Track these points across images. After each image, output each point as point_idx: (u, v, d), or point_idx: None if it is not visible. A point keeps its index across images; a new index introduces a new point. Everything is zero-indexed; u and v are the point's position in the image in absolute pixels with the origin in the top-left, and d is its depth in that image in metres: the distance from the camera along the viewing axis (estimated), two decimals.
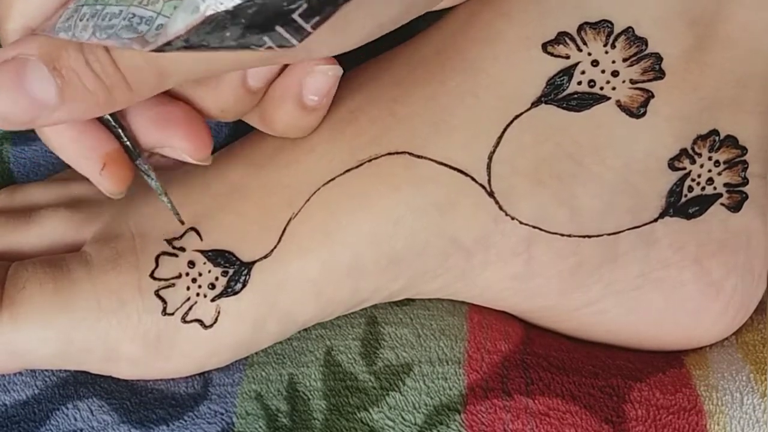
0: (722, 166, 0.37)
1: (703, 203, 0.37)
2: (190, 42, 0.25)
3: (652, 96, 0.36)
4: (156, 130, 0.32)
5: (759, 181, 0.38)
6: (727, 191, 0.38)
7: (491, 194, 0.36)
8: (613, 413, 0.36)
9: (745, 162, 0.38)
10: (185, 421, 0.37)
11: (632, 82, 0.36)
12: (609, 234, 0.37)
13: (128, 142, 0.33)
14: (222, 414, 0.37)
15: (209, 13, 0.24)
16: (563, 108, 0.36)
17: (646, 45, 0.35)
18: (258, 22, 0.24)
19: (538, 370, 0.37)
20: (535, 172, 0.36)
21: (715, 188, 0.37)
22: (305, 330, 0.39)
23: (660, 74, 0.36)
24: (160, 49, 0.26)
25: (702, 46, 0.36)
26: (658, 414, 0.36)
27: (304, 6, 0.24)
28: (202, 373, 0.38)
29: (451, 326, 0.39)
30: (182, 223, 0.36)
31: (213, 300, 0.36)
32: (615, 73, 0.36)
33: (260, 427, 0.36)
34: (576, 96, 0.36)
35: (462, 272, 0.38)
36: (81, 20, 0.27)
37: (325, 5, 0.24)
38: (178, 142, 0.32)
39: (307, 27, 0.24)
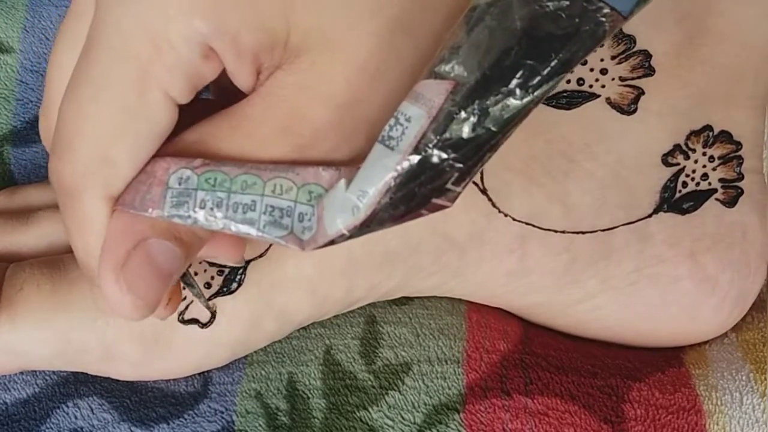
0: (717, 162, 0.37)
1: (697, 199, 0.37)
2: (351, 236, 0.25)
3: (643, 93, 0.35)
4: (207, 248, 0.31)
5: (754, 176, 0.38)
6: (722, 186, 0.37)
7: (484, 191, 0.36)
8: (612, 413, 0.35)
9: (740, 157, 0.37)
10: (185, 419, 0.36)
11: (621, 79, 0.35)
12: (603, 230, 0.36)
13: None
14: (222, 412, 0.36)
15: (369, 212, 0.25)
16: (553, 106, 0.35)
17: (634, 42, 0.35)
18: (415, 204, 0.24)
19: (537, 369, 0.37)
20: (527, 169, 0.36)
21: (709, 183, 0.37)
22: (304, 329, 0.39)
23: (649, 71, 0.35)
24: (320, 247, 0.26)
25: (692, 42, 0.35)
26: (657, 414, 0.35)
27: (456, 175, 0.24)
28: (202, 372, 0.37)
29: (449, 325, 0.39)
30: (209, 309, 0.35)
31: (209, 299, 0.35)
32: (604, 71, 0.35)
33: (260, 425, 0.36)
34: (565, 94, 0.35)
35: (456, 269, 0.37)
36: (201, 208, 0.26)
37: (473, 167, 0.24)
38: (224, 255, 0.31)
39: (459, 189, 0.25)
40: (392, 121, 0.24)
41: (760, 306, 0.40)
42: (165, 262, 0.27)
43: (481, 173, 0.36)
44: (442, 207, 0.25)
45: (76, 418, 0.36)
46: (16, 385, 0.37)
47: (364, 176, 0.25)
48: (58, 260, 0.36)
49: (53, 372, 0.37)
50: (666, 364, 0.38)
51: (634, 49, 0.35)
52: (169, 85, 0.25)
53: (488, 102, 0.23)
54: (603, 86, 0.35)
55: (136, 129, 0.26)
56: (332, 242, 0.26)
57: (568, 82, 0.35)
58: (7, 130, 0.43)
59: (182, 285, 0.33)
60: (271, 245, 0.36)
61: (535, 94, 0.23)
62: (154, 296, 0.27)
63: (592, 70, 0.35)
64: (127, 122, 0.26)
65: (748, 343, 0.39)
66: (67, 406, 0.36)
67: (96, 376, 0.37)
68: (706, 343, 0.40)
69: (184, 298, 0.35)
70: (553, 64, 0.23)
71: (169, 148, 0.27)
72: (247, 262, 0.35)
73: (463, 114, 0.23)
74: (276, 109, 0.26)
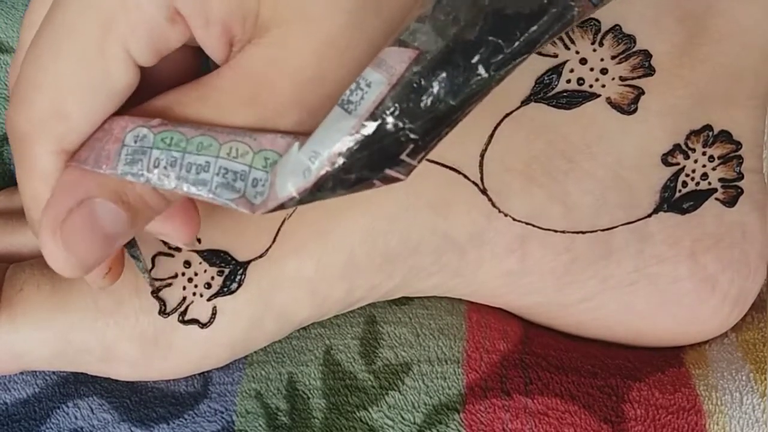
0: (717, 161, 0.36)
1: (697, 198, 0.36)
2: (302, 201, 0.25)
3: (643, 93, 0.35)
4: (156, 223, 0.31)
5: (754, 176, 0.37)
6: (721, 186, 0.37)
7: (484, 191, 0.35)
8: (612, 413, 0.35)
9: (740, 157, 0.37)
10: (185, 419, 0.36)
11: (622, 79, 0.35)
12: (603, 230, 0.36)
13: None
14: (222, 412, 0.36)
15: (321, 174, 0.24)
16: (553, 106, 0.35)
17: (634, 42, 0.35)
18: (367, 171, 0.24)
19: (537, 369, 0.36)
20: (528, 169, 0.35)
21: (709, 183, 0.37)
22: (304, 329, 0.38)
23: (650, 71, 0.35)
24: (270, 211, 0.25)
25: (693, 42, 0.35)
26: (657, 414, 0.35)
27: (411, 146, 0.24)
28: (202, 372, 0.37)
29: (449, 326, 0.39)
30: (153, 287, 0.35)
31: (209, 299, 0.35)
32: (604, 71, 0.35)
33: (260, 425, 0.35)
34: (565, 94, 0.35)
35: (456, 269, 0.37)
36: (155, 167, 0.25)
37: (429, 140, 0.24)
38: (174, 233, 0.31)
39: (414, 162, 0.24)
40: (353, 86, 0.24)
41: (760, 306, 0.40)
42: (108, 224, 0.26)
43: (481, 174, 0.35)
44: (395, 179, 0.24)
45: (76, 418, 0.36)
46: (16, 385, 0.36)
47: (318, 138, 0.24)
48: None
49: (53, 372, 0.37)
50: (666, 364, 0.38)
51: (634, 49, 0.35)
52: (131, 42, 0.25)
53: (449, 75, 0.23)
54: (603, 86, 0.35)
55: (93, 84, 0.25)
56: (282, 206, 0.25)
57: (568, 81, 0.35)
58: None
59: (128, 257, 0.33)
60: (271, 245, 0.35)
61: (498, 72, 0.23)
62: (91, 257, 0.26)
63: (592, 69, 0.35)
64: (84, 76, 0.25)
65: (748, 343, 0.39)
66: (67, 407, 0.36)
67: (96, 377, 0.37)
68: (706, 343, 0.40)
69: (183, 299, 0.35)
70: (516, 43, 0.23)
71: (134, 111, 0.27)
72: (248, 263, 0.35)
73: (423, 83, 0.23)
74: (243, 82, 0.26)
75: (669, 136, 0.36)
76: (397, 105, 0.23)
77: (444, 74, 0.23)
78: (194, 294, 0.35)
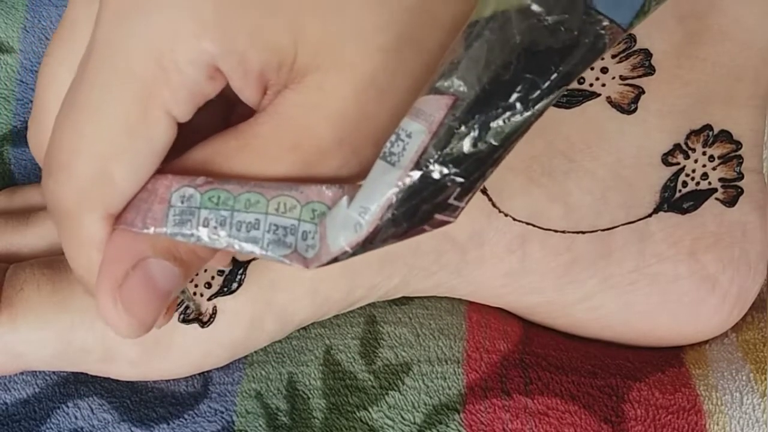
0: (717, 161, 0.36)
1: (697, 198, 0.36)
2: (355, 254, 0.25)
3: (643, 92, 0.35)
4: None
5: (754, 175, 0.37)
6: (722, 186, 0.37)
7: (484, 191, 0.35)
8: (612, 413, 0.35)
9: (740, 157, 0.36)
10: (185, 419, 0.36)
11: (622, 78, 0.35)
12: (603, 229, 0.36)
13: None
14: (222, 412, 0.36)
15: (372, 228, 0.24)
16: (554, 105, 0.35)
17: (635, 41, 0.35)
18: (417, 220, 0.24)
19: (537, 369, 0.36)
20: (528, 169, 0.35)
21: (709, 183, 0.36)
22: (304, 329, 0.38)
23: (650, 70, 0.35)
24: (324, 265, 0.25)
25: (693, 41, 0.35)
26: (657, 414, 0.35)
27: (458, 190, 0.24)
28: (202, 372, 0.37)
29: (450, 325, 0.38)
30: (196, 311, 0.35)
31: (209, 299, 0.35)
32: (604, 70, 0.35)
33: (260, 425, 0.35)
34: (566, 93, 0.35)
35: (457, 269, 0.37)
36: (205, 226, 0.25)
37: (475, 182, 0.24)
38: (214, 263, 0.31)
39: (462, 204, 0.24)
40: (393, 137, 0.24)
41: (760, 306, 0.40)
42: (163, 282, 0.26)
43: None
44: (445, 222, 0.24)
45: (76, 418, 0.35)
46: (16, 385, 0.36)
47: (366, 193, 0.24)
48: (59, 261, 0.35)
49: (53, 372, 0.37)
50: (666, 364, 0.38)
51: (635, 48, 0.35)
52: (172, 105, 0.25)
53: (488, 117, 0.23)
54: (603, 85, 0.35)
55: (136, 148, 0.25)
56: (335, 260, 0.25)
57: None
58: (7, 130, 0.43)
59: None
60: None
61: (536, 107, 0.23)
62: (150, 316, 0.26)
63: (592, 68, 0.35)
64: (126, 141, 0.25)
65: (748, 343, 0.38)
66: (68, 407, 0.36)
67: (96, 377, 0.36)
68: (706, 343, 0.39)
69: (182, 301, 0.35)
70: (552, 77, 0.23)
71: (175, 166, 0.26)
72: (248, 262, 0.35)
73: (463, 129, 0.23)
74: (284, 128, 0.25)
75: (669, 135, 0.36)
76: (439, 152, 0.23)
77: (483, 116, 0.23)
78: (195, 293, 0.35)
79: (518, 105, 0.23)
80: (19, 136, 0.42)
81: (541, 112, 0.23)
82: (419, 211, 0.24)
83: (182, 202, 0.25)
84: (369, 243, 0.24)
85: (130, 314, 0.26)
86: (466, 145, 0.23)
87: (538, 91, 0.23)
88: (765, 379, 0.36)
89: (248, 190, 0.25)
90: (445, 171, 0.23)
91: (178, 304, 0.35)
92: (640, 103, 0.35)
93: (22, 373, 0.36)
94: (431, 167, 0.23)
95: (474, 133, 0.23)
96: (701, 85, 0.35)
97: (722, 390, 0.36)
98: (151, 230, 0.25)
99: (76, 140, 0.25)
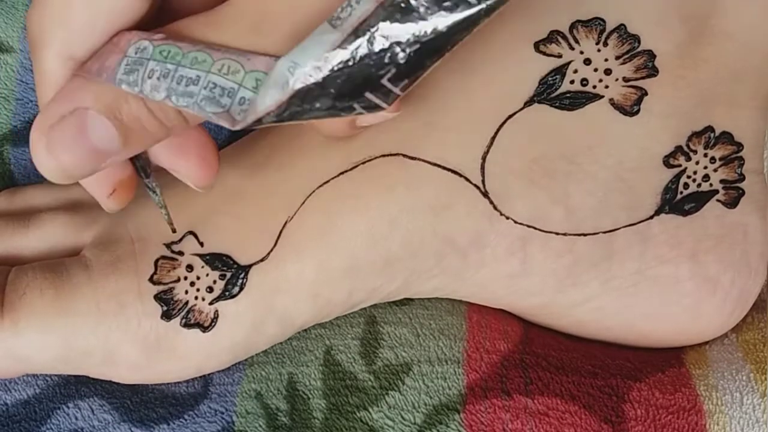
0: (718, 163, 0.36)
1: (699, 200, 0.36)
2: (280, 117, 0.25)
3: (646, 93, 0.35)
4: (169, 155, 0.31)
5: (756, 177, 0.37)
6: (723, 188, 0.36)
7: (485, 194, 0.35)
8: (613, 413, 0.35)
9: (741, 158, 0.36)
10: (185, 419, 0.36)
11: (625, 80, 0.34)
12: (604, 232, 0.36)
13: (142, 164, 0.32)
14: (222, 413, 0.36)
15: (298, 86, 0.24)
16: (556, 107, 0.35)
17: (639, 42, 0.34)
18: (347, 91, 0.23)
19: (537, 369, 0.36)
20: (529, 171, 0.35)
21: (711, 185, 0.36)
22: (305, 330, 0.38)
23: (653, 71, 0.35)
24: (248, 127, 0.25)
25: (696, 42, 0.35)
26: (657, 414, 0.35)
27: (393, 71, 0.23)
28: None
29: (450, 326, 0.38)
30: (174, 231, 0.35)
31: (211, 303, 0.35)
32: (608, 72, 0.34)
33: (260, 426, 0.35)
34: (569, 95, 0.35)
35: (458, 272, 0.36)
36: (149, 77, 0.26)
37: (414, 68, 0.23)
38: (187, 171, 0.31)
39: (396, 90, 0.24)
40: (345, 3, 0.23)
41: (761, 306, 0.40)
42: (97, 137, 0.26)
43: (483, 176, 0.35)
44: (376, 106, 0.24)
45: (76, 418, 0.35)
46: (16, 386, 0.36)
47: (300, 50, 0.24)
48: (61, 264, 0.35)
49: (54, 373, 0.36)
50: (666, 364, 0.38)
51: (639, 49, 0.34)
52: None
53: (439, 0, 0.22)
54: (606, 87, 0.35)
55: None
56: (260, 121, 0.25)
57: (572, 82, 0.35)
58: (7, 130, 0.42)
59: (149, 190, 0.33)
60: (273, 249, 0.35)
61: (488, 3, 0.22)
62: (75, 166, 0.27)
63: (596, 70, 0.34)
64: None
65: (748, 343, 0.38)
66: (68, 407, 0.36)
67: (97, 378, 0.36)
68: (706, 343, 0.39)
69: (186, 303, 0.35)
70: None
71: (143, 30, 0.27)
72: (249, 266, 0.35)
73: (412, 4, 0.22)
74: (249, 10, 0.26)
75: (671, 137, 0.35)
76: (381, 24, 0.23)
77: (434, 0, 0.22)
78: (196, 298, 0.35)
79: None
80: (19, 136, 0.42)
81: (491, 10, 0.22)
82: (350, 82, 0.23)
83: (136, 53, 0.26)
84: (295, 106, 0.24)
85: (52, 155, 0.26)
86: (411, 25, 0.22)
87: None
88: (765, 379, 0.36)
89: (198, 49, 0.26)
90: (384, 45, 0.23)
91: (180, 309, 0.35)
92: (643, 105, 0.35)
93: (22, 375, 0.36)
94: (371, 37, 0.23)
95: (419, 11, 0.22)
96: (703, 87, 0.35)
97: (722, 390, 0.36)
98: (103, 77, 0.26)
99: None
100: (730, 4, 0.34)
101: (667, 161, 0.36)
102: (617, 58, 0.34)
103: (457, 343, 0.37)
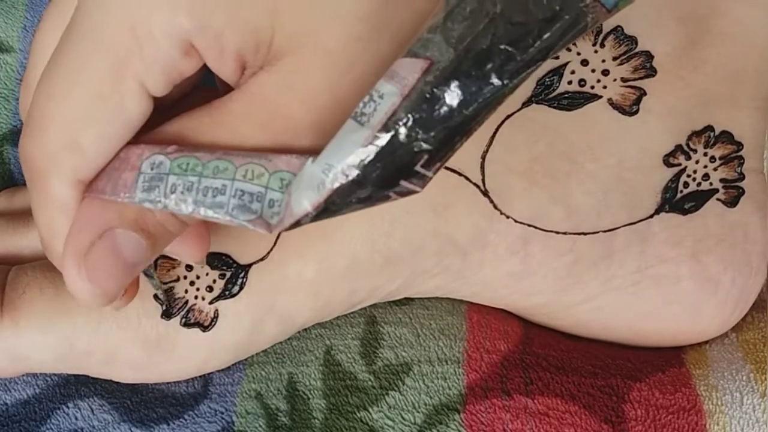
0: (718, 162, 0.36)
1: (699, 199, 0.36)
2: (317, 217, 0.24)
3: (645, 94, 0.35)
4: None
5: (755, 176, 0.37)
6: (723, 187, 0.36)
7: (485, 193, 0.35)
8: (613, 413, 0.35)
9: (741, 157, 0.36)
10: (185, 420, 0.35)
11: (623, 80, 0.35)
12: (605, 231, 0.36)
13: None
14: (222, 413, 0.36)
15: (336, 186, 0.24)
16: (554, 107, 0.35)
17: (636, 43, 0.34)
18: (382, 183, 0.24)
19: (537, 369, 0.36)
20: (529, 171, 0.35)
21: (711, 184, 0.36)
22: (305, 329, 0.38)
23: (651, 72, 0.35)
24: (287, 229, 0.25)
25: (695, 42, 0.35)
26: (657, 414, 0.35)
27: (425, 157, 0.23)
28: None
29: (450, 326, 0.38)
30: (166, 304, 0.35)
31: (211, 302, 0.35)
32: (605, 72, 0.34)
33: (260, 426, 0.35)
34: (567, 95, 0.35)
35: (458, 271, 0.36)
36: (173, 192, 0.25)
37: (444, 151, 0.23)
38: (184, 252, 0.30)
39: (429, 174, 0.24)
40: (366, 98, 0.24)
41: (761, 306, 0.40)
42: (129, 253, 0.26)
43: (483, 176, 0.35)
44: (410, 192, 0.24)
45: (76, 418, 0.35)
46: (16, 386, 0.36)
47: (332, 150, 0.24)
48: None
49: (54, 373, 0.36)
50: (666, 364, 0.38)
51: (636, 50, 0.34)
52: (145, 77, 0.25)
53: (462, 84, 0.22)
54: (605, 87, 0.35)
55: (107, 117, 0.25)
56: (298, 223, 0.25)
57: (570, 83, 0.35)
58: (7, 130, 0.43)
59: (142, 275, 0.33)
60: (273, 248, 0.35)
61: (511, 80, 0.22)
62: (114, 287, 0.26)
63: (593, 71, 0.34)
64: (98, 110, 0.25)
65: (748, 343, 0.38)
66: (68, 407, 0.36)
67: (97, 378, 0.36)
68: (706, 343, 0.39)
69: (186, 302, 0.35)
70: (530, 51, 0.22)
71: (148, 138, 0.26)
72: (249, 266, 0.35)
73: (435, 93, 0.23)
74: (257, 107, 0.26)
75: (670, 136, 0.35)
76: (410, 116, 0.23)
77: (456, 83, 0.22)
78: (196, 297, 0.35)
79: (493, 75, 0.22)
80: (19, 135, 0.42)
81: (515, 86, 0.22)
82: (385, 174, 0.23)
83: (152, 169, 0.26)
84: (332, 205, 0.24)
85: (93, 283, 0.26)
86: (437, 111, 0.23)
87: (514, 63, 0.22)
88: (765, 379, 0.36)
89: (217, 158, 0.25)
90: (414, 135, 0.23)
91: (180, 308, 0.34)
92: (642, 105, 0.35)
93: (22, 374, 0.36)
94: (400, 130, 0.23)
95: (446, 100, 0.22)
96: (703, 87, 0.35)
97: (722, 390, 0.36)
98: (120, 197, 0.26)
99: (51, 104, 0.25)
100: (729, 5, 0.35)
101: (667, 160, 0.36)
102: (614, 59, 0.34)
103: (458, 343, 0.37)
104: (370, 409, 0.35)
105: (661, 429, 0.34)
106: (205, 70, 0.28)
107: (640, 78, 0.35)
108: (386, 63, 0.25)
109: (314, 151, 0.25)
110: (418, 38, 0.23)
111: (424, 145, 0.23)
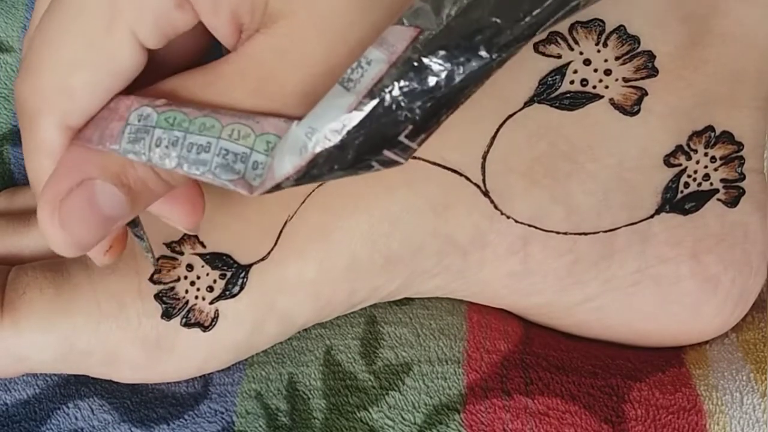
0: (718, 162, 0.36)
1: (699, 199, 0.36)
2: (299, 181, 0.24)
3: (646, 94, 0.35)
4: (159, 203, 0.30)
5: (756, 176, 0.37)
6: (723, 187, 0.36)
7: (486, 193, 0.35)
8: (613, 413, 0.35)
9: (741, 158, 0.36)
10: (185, 420, 0.35)
11: (625, 80, 0.34)
12: (605, 231, 0.36)
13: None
14: (222, 413, 0.36)
15: (318, 150, 0.24)
16: (556, 107, 0.35)
17: (639, 43, 0.34)
18: (365, 151, 0.23)
19: (537, 369, 0.36)
20: (530, 171, 0.35)
21: (711, 184, 0.36)
22: (305, 329, 0.38)
23: (653, 72, 0.34)
24: (267, 192, 0.25)
25: (696, 42, 0.35)
26: (657, 414, 0.35)
27: (410, 127, 0.23)
28: None
29: (450, 326, 0.38)
30: (155, 266, 0.34)
31: (211, 302, 0.35)
32: (607, 72, 0.34)
33: (260, 426, 0.35)
34: (569, 95, 0.34)
35: (459, 271, 0.36)
36: (157, 146, 0.25)
37: (429, 122, 0.23)
38: (177, 217, 0.30)
39: (414, 145, 0.24)
40: (354, 64, 0.23)
41: (761, 306, 0.40)
42: (107, 206, 0.26)
43: (483, 176, 0.35)
44: (394, 162, 0.24)
45: (76, 419, 0.35)
46: (16, 386, 0.36)
47: (316, 114, 0.24)
48: (61, 264, 0.35)
49: (54, 373, 0.36)
50: (666, 364, 0.38)
51: (638, 50, 0.34)
52: (137, 26, 0.25)
53: (450, 54, 0.22)
54: (606, 87, 0.35)
55: (98, 63, 0.25)
56: (279, 186, 0.25)
57: (572, 83, 0.35)
58: (7, 130, 0.43)
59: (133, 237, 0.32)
60: (273, 248, 0.35)
61: (499, 54, 0.22)
62: (88, 237, 0.26)
63: (596, 70, 0.34)
64: (90, 55, 0.25)
65: (748, 343, 0.38)
66: (68, 407, 0.35)
67: (97, 378, 0.36)
68: (706, 343, 0.39)
69: (186, 302, 0.35)
70: (520, 24, 0.22)
71: (140, 93, 0.26)
72: (250, 266, 0.35)
73: (423, 62, 0.22)
74: (250, 71, 0.25)
75: (671, 137, 0.35)
76: (395, 83, 0.23)
77: (444, 53, 0.22)
78: (197, 297, 0.35)
79: (482, 48, 0.22)
80: (19, 135, 0.42)
81: (503, 60, 0.22)
82: (368, 141, 0.23)
83: (139, 121, 0.25)
84: (313, 169, 0.24)
85: (66, 231, 0.26)
86: (424, 81, 0.22)
87: (503, 36, 0.22)
88: (765, 379, 0.36)
89: (205, 115, 0.25)
90: (399, 104, 0.23)
91: (180, 308, 0.34)
92: (643, 105, 0.35)
93: (22, 374, 0.36)
94: (385, 97, 0.23)
95: (432, 69, 0.22)
96: (703, 87, 0.35)
97: (722, 390, 0.36)
98: (106, 146, 0.25)
99: (46, 47, 0.25)
100: (730, 5, 0.34)
101: (668, 160, 0.36)
102: (617, 58, 0.34)
103: (458, 343, 0.37)
104: (370, 409, 0.35)
105: (661, 429, 0.34)
106: (211, 40, 0.28)
107: (642, 78, 0.34)
108: (380, 32, 0.25)
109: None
110: (410, 7, 0.23)
111: (409, 114, 0.23)
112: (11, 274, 0.35)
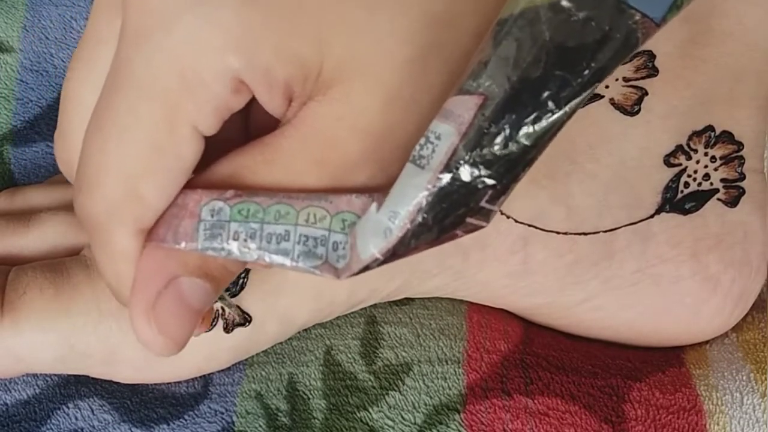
0: (718, 162, 0.36)
1: (699, 199, 0.36)
2: (386, 261, 0.24)
3: (646, 93, 0.35)
4: None
5: (756, 176, 0.37)
6: (723, 187, 0.36)
7: None
8: (613, 413, 0.35)
9: (741, 157, 0.36)
10: (185, 420, 0.35)
11: (625, 80, 0.34)
12: (605, 231, 0.36)
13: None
14: (222, 413, 0.35)
15: (403, 233, 0.23)
16: None
17: None
18: (449, 223, 0.23)
19: (537, 369, 0.36)
20: (530, 171, 0.35)
21: (711, 184, 0.36)
22: (305, 330, 0.38)
23: (653, 71, 0.34)
24: (354, 275, 0.25)
25: (696, 42, 0.35)
26: (657, 414, 0.35)
27: (490, 192, 0.23)
28: None
29: (450, 326, 0.38)
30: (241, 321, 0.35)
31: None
32: None
33: (260, 426, 0.35)
34: None
35: (459, 271, 0.36)
36: (235, 239, 0.25)
37: (508, 184, 0.23)
38: None
39: (495, 208, 0.23)
40: (422, 140, 0.23)
41: (761, 306, 0.40)
42: (196, 299, 0.26)
43: None
44: (477, 227, 0.24)
45: (76, 419, 0.35)
46: (16, 386, 0.36)
47: (395, 197, 0.24)
48: (61, 264, 0.35)
49: (54, 373, 0.36)
50: (666, 364, 0.37)
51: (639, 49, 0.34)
52: (198, 120, 0.24)
53: (519, 116, 0.22)
54: (607, 86, 0.35)
55: (165, 165, 0.25)
56: (367, 268, 0.25)
57: None
58: (7, 130, 0.42)
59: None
60: None
61: (568, 106, 0.22)
62: (184, 335, 0.26)
63: None
64: (155, 159, 0.25)
65: (748, 343, 0.38)
66: (68, 407, 0.35)
67: (97, 378, 0.36)
68: (706, 343, 0.39)
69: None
70: (584, 74, 0.22)
71: (202, 180, 0.26)
72: None
73: (493, 129, 0.22)
74: (310, 142, 0.25)
75: (671, 136, 0.35)
76: (470, 154, 0.22)
77: (514, 116, 0.22)
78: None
79: (550, 103, 0.22)
80: (19, 135, 0.42)
81: (573, 111, 0.22)
82: (450, 215, 0.23)
83: (212, 216, 0.25)
84: (400, 249, 0.24)
85: (164, 334, 0.25)
86: (497, 146, 0.22)
87: (570, 89, 0.22)
88: (765, 379, 0.36)
89: (277, 202, 0.25)
90: (476, 173, 0.22)
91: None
92: (643, 105, 0.35)
93: (22, 374, 0.36)
94: (461, 169, 0.22)
95: (505, 134, 0.22)
96: (704, 87, 0.35)
97: (722, 390, 0.36)
98: (182, 245, 0.25)
99: (105, 159, 0.25)
100: (730, 5, 0.34)
101: (668, 160, 0.35)
102: None
103: (458, 343, 0.37)
104: (370, 409, 0.35)
105: (661, 429, 0.34)
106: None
107: (642, 78, 0.34)
108: (436, 86, 0.25)
109: (371, 183, 0.25)
110: (470, 73, 0.22)
111: (488, 181, 0.23)
112: (11, 274, 0.35)
